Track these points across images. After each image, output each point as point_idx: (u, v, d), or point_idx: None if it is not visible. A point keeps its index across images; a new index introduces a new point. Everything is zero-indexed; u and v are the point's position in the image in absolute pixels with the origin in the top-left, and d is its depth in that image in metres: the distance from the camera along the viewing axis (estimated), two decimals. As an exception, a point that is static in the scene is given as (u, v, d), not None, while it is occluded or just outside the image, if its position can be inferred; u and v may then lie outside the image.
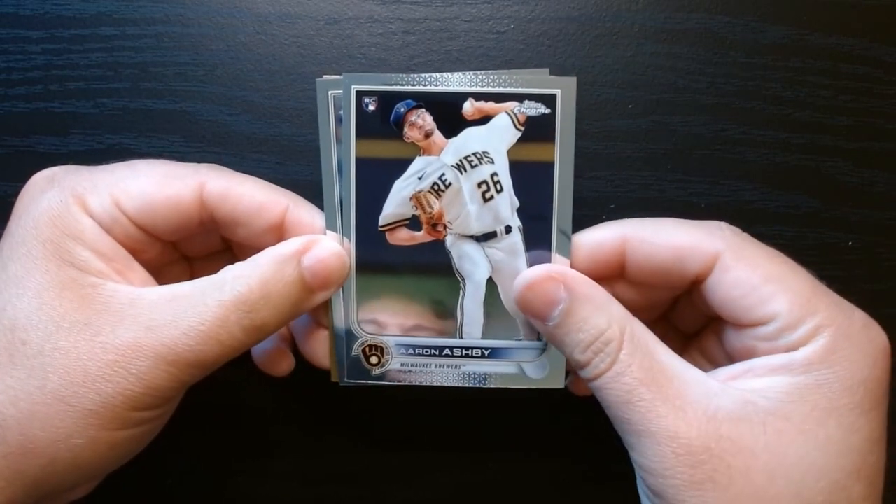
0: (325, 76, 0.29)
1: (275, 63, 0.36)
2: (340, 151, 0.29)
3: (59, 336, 0.25)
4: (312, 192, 0.31)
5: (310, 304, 0.28)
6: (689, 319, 0.31)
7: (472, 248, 0.29)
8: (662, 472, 0.25)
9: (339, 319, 0.30)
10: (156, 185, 0.28)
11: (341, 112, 0.29)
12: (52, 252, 0.26)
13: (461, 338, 0.30)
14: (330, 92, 0.28)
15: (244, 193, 0.29)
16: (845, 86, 0.36)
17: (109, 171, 0.29)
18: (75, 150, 0.36)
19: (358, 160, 0.29)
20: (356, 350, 0.30)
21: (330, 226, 0.29)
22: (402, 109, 0.28)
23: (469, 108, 0.28)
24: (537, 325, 0.28)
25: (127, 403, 0.25)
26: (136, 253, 0.29)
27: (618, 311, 0.27)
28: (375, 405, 0.37)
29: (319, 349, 0.31)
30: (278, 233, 0.29)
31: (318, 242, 0.28)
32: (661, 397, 0.25)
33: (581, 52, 0.35)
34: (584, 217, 0.31)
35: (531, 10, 0.36)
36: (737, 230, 0.28)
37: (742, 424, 0.24)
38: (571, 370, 0.30)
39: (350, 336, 0.30)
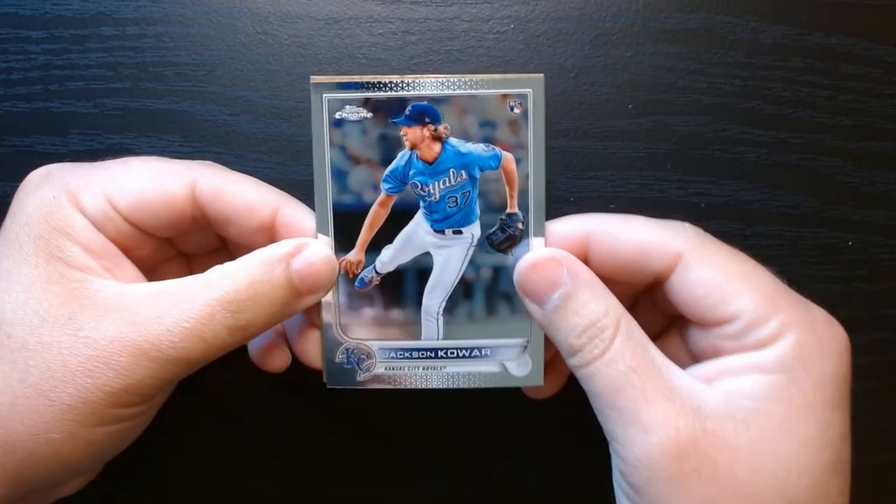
0: (319, 77, 0.29)
1: (275, 63, 0.36)
2: (332, 153, 0.29)
3: (42, 330, 0.25)
4: (312, 192, 0.31)
5: (297, 308, 0.28)
6: (650, 321, 0.31)
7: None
8: (648, 464, 0.25)
9: (328, 322, 0.30)
10: (148, 182, 0.28)
11: (336, 115, 0.29)
12: (41, 248, 0.26)
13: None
14: (324, 95, 0.29)
15: (236, 192, 0.29)
16: (845, 86, 0.36)
17: (104, 168, 0.29)
18: (75, 150, 0.36)
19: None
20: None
21: (321, 229, 0.29)
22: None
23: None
24: (532, 308, 0.28)
25: (106, 399, 0.25)
26: (130, 250, 0.29)
27: (614, 301, 0.27)
28: (374, 405, 0.37)
29: (311, 349, 0.31)
30: (269, 233, 0.29)
31: (308, 246, 0.28)
32: (652, 387, 0.25)
33: (581, 52, 0.35)
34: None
35: (531, 10, 0.36)
36: (700, 230, 0.28)
37: (726, 420, 0.25)
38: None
39: (334, 340, 0.30)
